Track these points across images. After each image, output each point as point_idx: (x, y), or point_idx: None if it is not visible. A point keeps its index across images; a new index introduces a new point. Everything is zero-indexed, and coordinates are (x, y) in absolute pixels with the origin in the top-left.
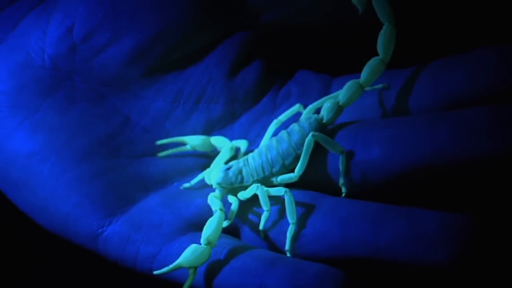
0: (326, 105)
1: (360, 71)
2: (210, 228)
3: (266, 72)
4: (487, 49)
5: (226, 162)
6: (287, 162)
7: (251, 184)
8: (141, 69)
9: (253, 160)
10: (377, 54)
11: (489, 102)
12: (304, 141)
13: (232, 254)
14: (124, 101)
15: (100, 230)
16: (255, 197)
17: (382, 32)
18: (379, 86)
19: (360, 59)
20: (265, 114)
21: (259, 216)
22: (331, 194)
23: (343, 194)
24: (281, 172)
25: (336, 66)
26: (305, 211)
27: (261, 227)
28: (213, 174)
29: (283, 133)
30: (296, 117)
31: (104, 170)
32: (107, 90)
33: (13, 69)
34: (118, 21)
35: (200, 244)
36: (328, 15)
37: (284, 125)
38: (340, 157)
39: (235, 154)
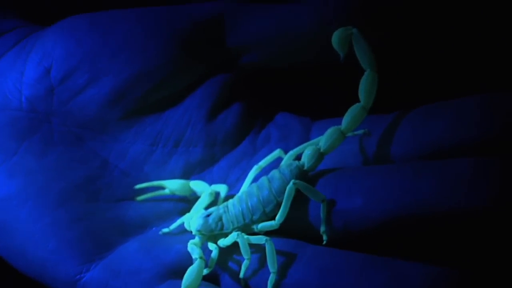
0: (307, 152)
1: (341, 113)
2: (190, 277)
3: (246, 114)
4: (469, 98)
5: (206, 208)
6: (267, 210)
7: (231, 231)
8: (119, 112)
9: (233, 207)
10: (357, 99)
11: (472, 152)
12: (285, 189)
13: None
14: (103, 144)
15: (78, 277)
16: (235, 244)
17: (363, 78)
18: (360, 132)
19: (340, 101)
20: (245, 158)
21: (239, 264)
22: (313, 242)
23: (324, 242)
24: (262, 220)
25: (316, 109)
26: (286, 260)
27: (241, 275)
28: (192, 221)
29: (264, 180)
30: (277, 162)
31: (82, 215)
32: (85, 133)
33: None
34: (97, 62)
35: None
36: (309, 59)
37: (265, 171)
38: (322, 205)
39: (215, 199)
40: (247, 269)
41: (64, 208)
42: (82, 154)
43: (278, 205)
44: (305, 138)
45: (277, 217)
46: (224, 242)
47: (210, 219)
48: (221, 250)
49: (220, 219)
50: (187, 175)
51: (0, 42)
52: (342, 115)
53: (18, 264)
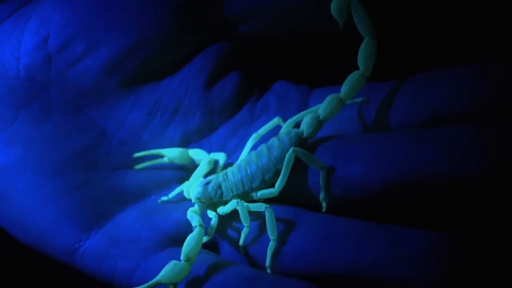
0: (306, 120)
1: (339, 82)
2: (190, 245)
3: (244, 83)
4: (466, 66)
5: (205, 176)
6: (267, 177)
7: (230, 199)
8: (117, 80)
9: (232, 175)
10: (357, 66)
11: (470, 120)
12: (284, 156)
13: (212, 270)
14: (100, 113)
15: (77, 245)
16: (234, 212)
17: (362, 46)
18: (359, 99)
19: (338, 70)
20: (243, 126)
21: (238, 232)
22: (312, 210)
23: (324, 209)
24: (261, 187)
25: (314, 77)
26: (286, 228)
27: (241, 242)
28: (192, 189)
29: (263, 148)
30: (275, 130)
31: (81, 183)
32: (83, 102)
33: None
34: (94, 31)
35: (180, 260)
36: (307, 27)
37: (264, 138)
38: (321, 172)
39: (214, 167)
40: (246, 236)
41: (63, 177)
42: (80, 123)
43: (277, 173)
44: (304, 106)
45: (276, 185)
46: (223, 209)
47: (210, 186)
48: (221, 218)
49: (220, 187)
50: (185, 144)
51: None
52: (340, 83)
53: (16, 233)
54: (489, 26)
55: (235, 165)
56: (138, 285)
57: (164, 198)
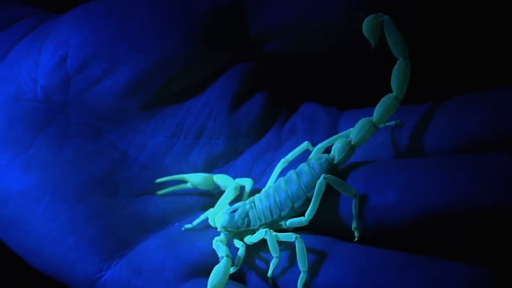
0: (337, 145)
1: (369, 104)
2: (216, 276)
3: (270, 105)
4: (507, 88)
5: (231, 203)
6: (296, 205)
7: (258, 228)
8: (138, 102)
9: (260, 203)
10: (389, 87)
11: (509, 147)
12: (314, 183)
13: None
14: (121, 136)
15: (98, 275)
16: (262, 242)
17: (396, 67)
18: (392, 123)
19: (369, 91)
20: (270, 150)
21: (267, 262)
22: (343, 239)
23: (356, 239)
24: (291, 216)
25: (344, 99)
26: (317, 258)
27: (269, 274)
28: (217, 217)
29: (292, 174)
30: (304, 155)
31: (101, 210)
32: (103, 124)
33: (4, 102)
34: (115, 50)
35: None
36: (334, 46)
37: (292, 164)
38: (353, 200)
39: (240, 194)
40: (275, 267)
41: (83, 204)
42: (100, 146)
43: (307, 201)
44: (333, 130)
45: (306, 213)
46: (251, 239)
47: (236, 215)
48: (248, 248)
49: (247, 215)
50: (209, 168)
51: (12, 31)
52: (370, 105)
53: (34, 262)
54: None
55: (263, 192)
56: None
57: (188, 225)
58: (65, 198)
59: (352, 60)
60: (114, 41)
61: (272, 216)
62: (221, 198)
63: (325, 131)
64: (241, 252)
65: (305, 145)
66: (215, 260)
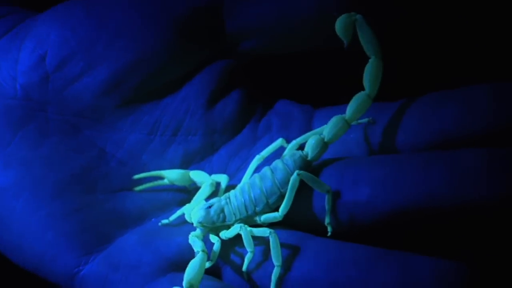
0: (310, 142)
1: (343, 101)
2: (192, 271)
3: (246, 102)
4: (477, 87)
5: (207, 199)
6: (271, 201)
7: (233, 223)
8: (116, 100)
9: (235, 198)
10: (362, 84)
11: (481, 143)
12: (288, 179)
13: None
14: (99, 133)
15: (76, 270)
16: (237, 237)
17: (368, 66)
18: (365, 120)
19: (343, 89)
20: (245, 147)
21: (241, 257)
22: (317, 234)
23: (329, 234)
24: (265, 211)
25: (318, 96)
26: (291, 253)
27: (244, 268)
28: (193, 212)
29: (267, 170)
30: (278, 152)
31: (80, 206)
32: (81, 122)
33: None
34: (92, 49)
35: (182, 287)
36: (309, 45)
37: (267, 160)
38: (326, 196)
39: (215, 190)
40: (250, 262)
41: (61, 200)
42: (78, 143)
43: (281, 196)
44: (307, 127)
45: (280, 209)
46: (226, 234)
47: (212, 210)
48: (223, 243)
49: (222, 210)
50: (186, 165)
51: None
52: (344, 102)
53: (14, 257)
54: (499, 45)
55: (238, 188)
56: None
57: (165, 221)
58: (44, 194)
59: (325, 58)
60: (92, 39)
61: (247, 211)
62: (197, 194)
63: (300, 128)
64: (216, 247)
65: (279, 142)
66: (191, 255)
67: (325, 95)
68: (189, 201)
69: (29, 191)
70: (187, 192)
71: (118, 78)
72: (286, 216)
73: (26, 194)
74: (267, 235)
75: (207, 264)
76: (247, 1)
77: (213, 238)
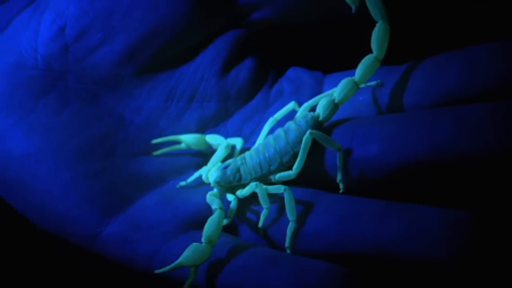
0: (321, 103)
1: (352, 67)
2: (210, 227)
3: (258, 69)
4: (481, 46)
5: (223, 161)
6: (284, 160)
7: (249, 182)
8: (134, 68)
9: (250, 159)
10: (369, 51)
11: (484, 99)
12: (301, 139)
13: (233, 252)
14: (118, 101)
15: (98, 230)
16: (253, 195)
17: (375, 29)
18: (373, 83)
19: (351, 56)
20: (258, 112)
21: (257, 214)
22: (329, 191)
23: (341, 191)
24: (279, 170)
25: (328, 62)
26: (305, 209)
27: (260, 224)
28: (211, 173)
29: (280, 131)
30: (291, 115)
31: (100, 170)
32: (100, 90)
33: (6, 70)
34: (110, 20)
35: (201, 242)
36: (320, 14)
37: (280, 123)
38: (338, 154)
39: (231, 152)
40: (266, 218)
41: (82, 164)
42: (98, 110)
43: (295, 155)
44: (318, 92)
45: (294, 167)
46: (242, 192)
47: (228, 170)
48: (240, 201)
49: (238, 170)
50: (202, 130)
51: (11, 3)
52: (353, 68)
53: (37, 220)
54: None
55: (253, 149)
56: (160, 268)
57: (183, 183)
58: (66, 159)
59: (334, 25)
60: (109, 11)
61: (262, 170)
62: (213, 156)
63: (310, 93)
64: (233, 205)
65: (291, 105)
66: (210, 213)
67: (334, 61)
68: (205, 164)
69: (51, 156)
70: (204, 155)
71: (135, 47)
72: (300, 174)
73: (49, 159)
74: (281, 191)
75: (225, 221)
76: None
77: (229, 196)
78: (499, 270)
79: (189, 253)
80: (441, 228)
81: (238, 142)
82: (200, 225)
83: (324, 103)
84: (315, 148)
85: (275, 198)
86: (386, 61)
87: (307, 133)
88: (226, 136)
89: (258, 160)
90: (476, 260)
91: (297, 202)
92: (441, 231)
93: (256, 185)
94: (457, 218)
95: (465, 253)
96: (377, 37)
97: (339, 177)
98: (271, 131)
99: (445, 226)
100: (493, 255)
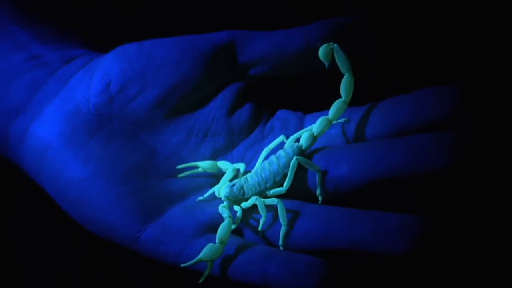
0: (304, 136)
1: (325, 108)
2: (222, 231)
3: (255, 112)
4: (425, 89)
5: (230, 180)
6: (277, 179)
7: (250, 197)
8: (162, 112)
9: (251, 178)
10: (339, 96)
11: (428, 131)
12: (289, 163)
13: (239, 249)
14: (151, 137)
15: (138, 234)
16: (254, 206)
17: (343, 80)
18: (342, 120)
19: (325, 98)
20: (256, 143)
21: (257, 221)
22: (311, 202)
23: (320, 202)
24: (273, 187)
25: (307, 105)
26: (293, 216)
27: (260, 228)
28: (221, 190)
29: (273, 158)
30: (281, 146)
31: (138, 189)
32: (137, 129)
33: (67, 115)
34: (144, 77)
35: (215, 243)
36: (300, 69)
37: (272, 152)
38: (317, 174)
39: (236, 174)
40: (264, 223)
41: (125, 185)
42: (136, 144)
43: (284, 176)
44: (300, 127)
45: (284, 184)
46: (245, 204)
47: (235, 188)
48: (244, 211)
49: (242, 187)
50: (214, 157)
51: (73, 64)
52: (327, 109)
53: (92, 227)
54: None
55: (253, 171)
56: (185, 263)
57: (201, 198)
58: (112, 181)
59: (313, 78)
60: (144, 70)
61: (260, 187)
62: (223, 177)
63: (295, 128)
64: (239, 214)
65: (281, 138)
66: (221, 221)
67: (313, 104)
68: (217, 183)
69: (102, 179)
70: (216, 177)
71: (163, 97)
72: (289, 190)
73: (100, 181)
74: (275, 203)
75: (233, 227)
76: (253, 39)
77: (236, 207)
78: (445, 258)
79: (206, 251)
80: (398, 228)
81: (241, 166)
82: (214, 229)
83: (306, 136)
84: (300, 170)
85: (271, 208)
86: (352, 101)
87: (294, 159)
88: (232, 161)
89: (257, 179)
90: (428, 251)
91: (288, 211)
92: (399, 230)
93: (256, 198)
94: (411, 220)
95: (419, 246)
96: (345, 86)
97: (318, 191)
98: (266, 158)
99: (402, 226)
100: (440, 247)
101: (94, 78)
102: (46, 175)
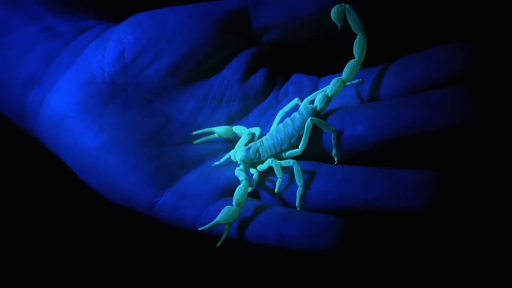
0: (318, 97)
1: (340, 71)
2: (239, 194)
3: (270, 77)
4: (438, 47)
5: (246, 144)
6: (292, 141)
7: (266, 159)
8: (177, 80)
9: (266, 141)
10: (352, 56)
11: (441, 87)
12: (304, 125)
13: (256, 211)
14: (166, 104)
15: (155, 200)
16: (270, 168)
17: (356, 40)
18: (356, 81)
19: (339, 63)
20: (271, 108)
21: (274, 183)
22: (327, 162)
23: (336, 162)
24: (288, 149)
25: (322, 68)
26: (309, 176)
27: (276, 190)
28: (237, 153)
29: (288, 120)
30: (295, 108)
31: (155, 156)
32: (152, 97)
33: (82, 85)
34: (157, 45)
35: (232, 205)
36: (315, 33)
37: (287, 115)
38: (332, 134)
39: (252, 138)
40: (280, 185)
41: (141, 152)
42: (151, 112)
43: (300, 137)
44: (315, 90)
45: (300, 146)
46: (261, 167)
47: (250, 151)
48: (260, 173)
49: (258, 150)
50: (229, 123)
51: (87, 35)
52: (341, 71)
53: (109, 195)
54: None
55: (268, 134)
56: (202, 226)
57: (217, 163)
58: (128, 148)
59: (325, 40)
60: (157, 38)
61: (275, 149)
62: (239, 142)
63: (309, 91)
64: (255, 176)
65: (295, 100)
66: (237, 184)
67: (326, 67)
68: (233, 147)
69: (118, 147)
70: (232, 142)
71: (177, 65)
72: (304, 151)
73: (116, 149)
74: (291, 165)
75: (249, 189)
76: (266, 5)
77: (252, 170)
78: (459, 214)
79: (224, 214)
80: (415, 185)
81: (257, 130)
82: (231, 193)
83: (320, 97)
84: (315, 131)
85: (287, 170)
86: (365, 63)
87: (308, 120)
88: (248, 126)
89: (272, 142)
90: (443, 207)
91: (303, 171)
92: (415, 187)
93: (272, 160)
94: (427, 177)
95: (435, 202)
96: (358, 46)
97: (334, 152)
98: (281, 121)
99: (418, 183)
100: (455, 203)
101: (108, 48)
102: (63, 145)
